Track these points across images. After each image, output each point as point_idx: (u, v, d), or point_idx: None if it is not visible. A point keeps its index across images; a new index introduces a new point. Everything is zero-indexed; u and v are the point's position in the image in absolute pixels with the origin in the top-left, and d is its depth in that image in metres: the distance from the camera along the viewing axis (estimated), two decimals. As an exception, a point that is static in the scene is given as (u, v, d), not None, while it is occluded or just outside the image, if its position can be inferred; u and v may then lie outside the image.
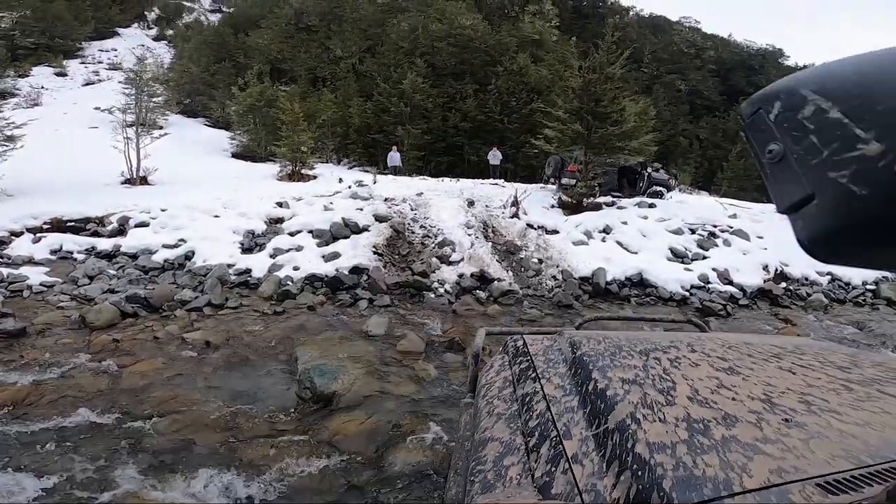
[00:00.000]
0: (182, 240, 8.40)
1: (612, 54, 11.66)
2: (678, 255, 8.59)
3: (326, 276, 7.17)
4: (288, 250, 7.82)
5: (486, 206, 10.65)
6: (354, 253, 7.54)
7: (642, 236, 8.95)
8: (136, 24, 45.12)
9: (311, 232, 8.28)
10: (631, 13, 41.89)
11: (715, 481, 0.73)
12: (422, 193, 11.50)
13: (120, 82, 27.23)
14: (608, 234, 9.06)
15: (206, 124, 27.21)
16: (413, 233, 8.75)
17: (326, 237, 8.16)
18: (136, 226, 8.99)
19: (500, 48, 24.57)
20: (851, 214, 0.26)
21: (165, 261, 7.95)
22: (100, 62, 38.02)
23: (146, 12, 46.41)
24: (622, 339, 1.43)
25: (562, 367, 1.36)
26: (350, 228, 8.37)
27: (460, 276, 7.33)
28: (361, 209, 9.04)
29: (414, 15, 27.86)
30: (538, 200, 11.77)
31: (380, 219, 8.79)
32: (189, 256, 8.10)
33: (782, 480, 0.73)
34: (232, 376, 4.71)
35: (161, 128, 24.08)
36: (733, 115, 32.93)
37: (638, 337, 1.49)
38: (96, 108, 26.95)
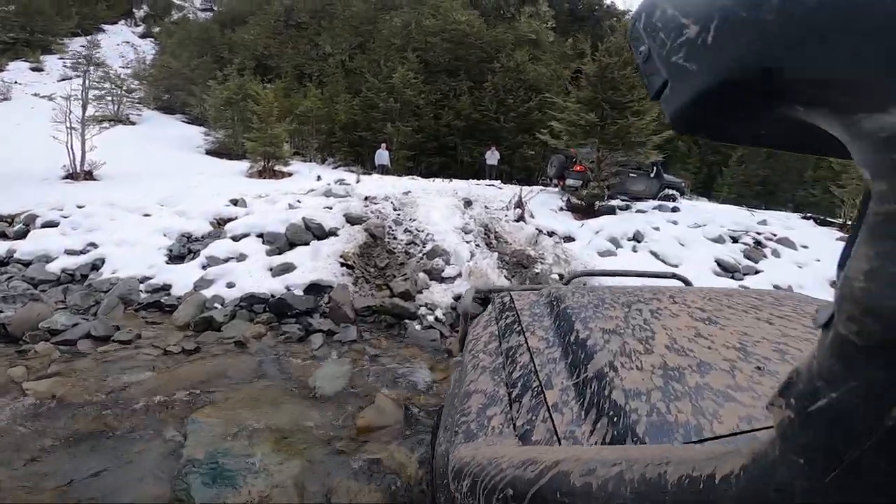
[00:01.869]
0: (92, 244, 6.27)
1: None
2: (727, 269, 6.65)
3: (272, 296, 5.09)
4: (226, 260, 5.73)
5: (486, 206, 8.62)
6: (314, 265, 5.46)
7: (680, 245, 7.00)
8: (122, 22, 42.62)
9: (260, 236, 6.18)
10: (626, 16, 40.25)
11: (686, 427, 0.71)
12: (409, 192, 9.45)
13: (95, 78, 24.97)
14: (639, 242, 7.08)
15: (184, 121, 24.94)
16: (395, 238, 6.67)
17: (280, 243, 6.06)
18: (43, 226, 6.83)
19: (497, 45, 22.67)
20: (691, 88, 0.30)
21: (63, 271, 5.86)
22: (81, 58, 35.54)
23: (134, 10, 43.95)
24: (606, 293, 1.41)
25: (546, 320, 1.34)
26: (312, 232, 6.28)
27: (457, 297, 5.26)
28: (331, 208, 6.95)
29: (407, 11, 25.91)
30: (544, 202, 9.80)
31: (352, 220, 6.70)
32: (97, 266, 5.99)
33: (750, 427, 0.71)
34: (73, 459, 2.74)
35: (121, 121, 22.00)
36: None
37: (623, 290, 1.46)
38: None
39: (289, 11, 30.07)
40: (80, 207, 7.13)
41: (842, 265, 0.23)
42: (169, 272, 5.64)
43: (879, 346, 0.20)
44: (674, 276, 2.67)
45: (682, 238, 7.19)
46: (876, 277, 0.20)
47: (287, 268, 5.46)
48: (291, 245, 6.09)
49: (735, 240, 7.65)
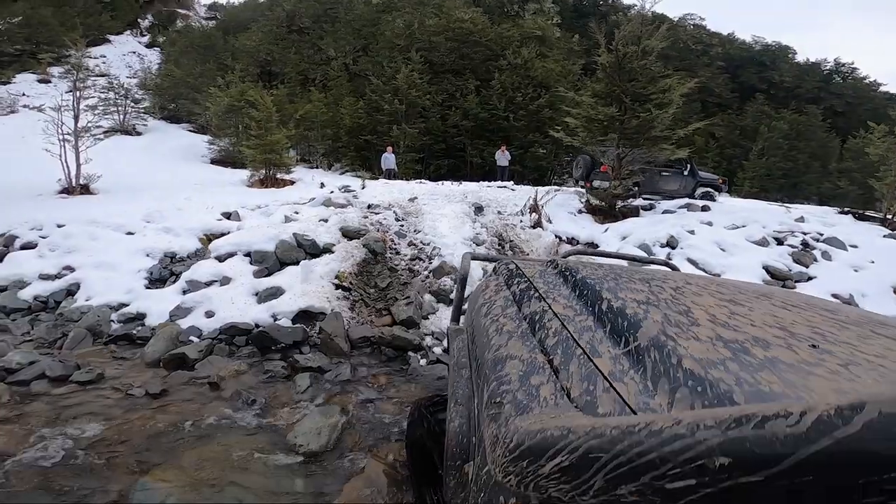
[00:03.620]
0: (69, 268, 5.70)
1: (647, 25, 8.96)
2: (778, 276, 5.84)
3: (256, 326, 4.44)
4: (209, 283, 5.10)
5: (499, 212, 7.89)
6: (305, 288, 4.81)
7: (721, 251, 6.18)
8: (128, 32, 42.68)
9: (248, 255, 5.54)
10: (632, 11, 39.05)
11: (786, 399, 0.60)
12: (415, 198, 8.78)
13: (101, 88, 24.81)
14: (674, 248, 6.29)
15: (190, 129, 24.60)
16: (398, 253, 5.98)
17: (269, 263, 5.42)
18: (22, 247, 6.30)
19: (502, 42, 21.89)
20: None
21: (35, 298, 5.33)
22: (87, 69, 35.56)
23: (139, 19, 44.04)
24: (616, 268, 1.38)
25: (563, 289, 1.28)
26: (304, 249, 5.62)
27: (467, 322, 4.56)
28: (326, 220, 6.27)
29: (409, 11, 25.28)
30: (561, 204, 9.05)
31: (349, 234, 6.02)
32: (72, 291, 5.43)
33: (859, 401, 0.44)
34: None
35: (128, 132, 21.72)
36: (750, 112, 30.16)
37: (625, 268, 1.43)
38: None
39: (291, 17, 29.68)
40: (59, 227, 6.58)
41: None
42: (146, 298, 5.03)
43: None
44: (664, 262, 2.71)
45: (722, 242, 6.38)
46: None
47: (274, 292, 4.81)
48: (282, 265, 5.45)
49: (780, 241, 6.81)
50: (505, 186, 12.49)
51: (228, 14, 43.45)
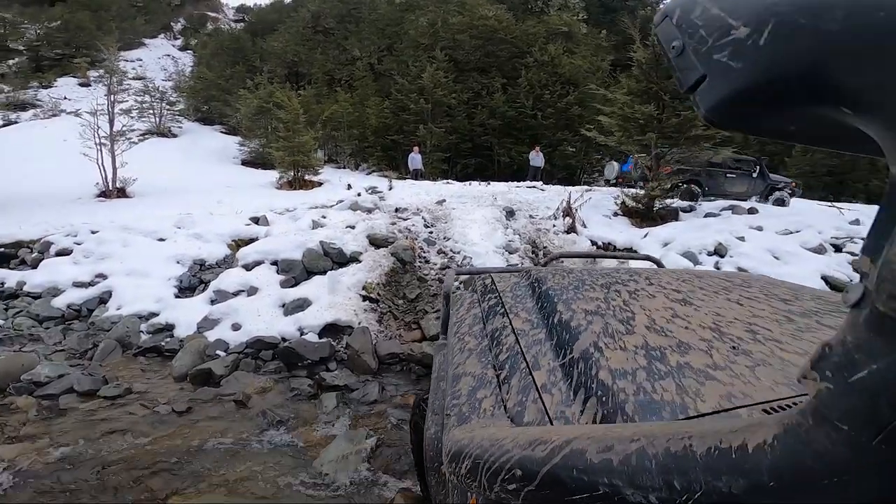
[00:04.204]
0: (101, 275, 5.70)
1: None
2: (838, 288, 5.29)
3: (283, 340, 4.29)
4: (236, 293, 4.99)
5: (531, 216, 7.55)
6: (332, 300, 4.62)
7: (774, 259, 5.69)
8: (162, 35, 43.92)
9: (275, 264, 5.40)
10: (661, 5, 37.42)
11: (672, 405, 0.73)
12: (444, 201, 8.53)
13: (136, 91, 25.57)
14: (723, 256, 5.83)
15: (222, 131, 25.05)
16: (427, 262, 5.73)
17: (296, 272, 5.27)
18: (57, 254, 6.36)
19: (528, 39, 21.34)
20: (732, 84, 0.30)
21: (69, 306, 5.33)
22: (124, 72, 36.69)
23: (172, 23, 45.25)
24: (585, 274, 1.42)
25: (529, 301, 1.34)
26: (331, 258, 5.45)
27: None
28: (353, 227, 6.09)
29: (432, 10, 24.97)
30: (594, 206, 8.63)
31: (377, 242, 5.81)
32: (104, 300, 5.41)
33: (731, 405, 0.73)
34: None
35: (163, 134, 22.22)
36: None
37: (600, 271, 1.48)
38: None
39: (316, 18, 29.81)
40: (94, 233, 6.63)
41: (866, 250, 0.25)
42: (175, 308, 4.96)
43: None
44: (647, 257, 2.76)
45: (776, 249, 5.87)
46: None
47: (301, 304, 4.65)
48: (309, 273, 5.29)
49: (838, 248, 6.25)
50: (534, 186, 12.11)
51: (256, 16, 44.11)
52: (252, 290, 4.99)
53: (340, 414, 3.59)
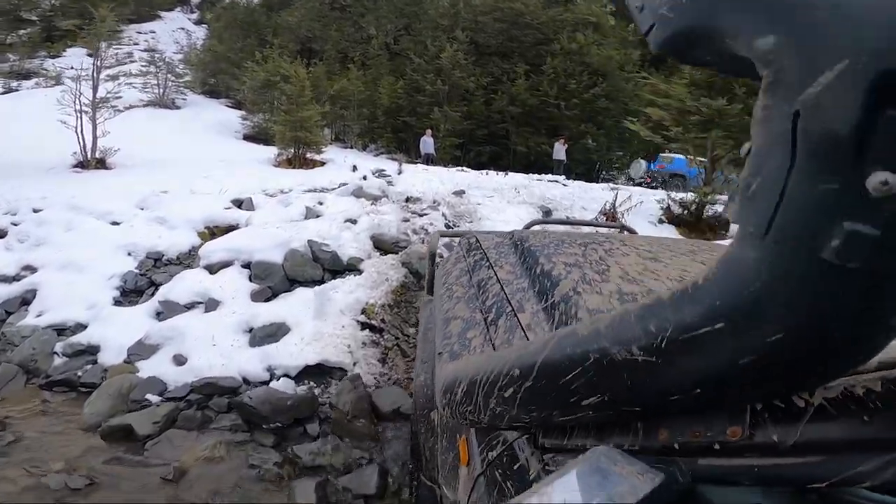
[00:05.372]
0: (29, 267, 4.31)
1: None
2: None
3: (244, 382, 2.92)
4: (189, 306, 3.60)
5: (567, 217, 6.08)
6: (318, 327, 3.23)
7: None
8: (179, 9, 41.96)
9: (247, 266, 3.99)
10: None
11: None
12: (463, 192, 7.09)
13: (143, 63, 24.07)
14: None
15: (227, 105, 23.45)
16: (446, 273, 4.33)
17: (275, 279, 3.86)
18: (-10, 233, 4.98)
19: (555, 26, 19.51)
20: (669, 28, 0.38)
21: (-23, 308, 3.91)
22: (135, 44, 34.92)
23: (189, -4, 43.25)
24: (565, 236, 1.49)
25: (512, 257, 1.38)
26: (322, 264, 4.03)
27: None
28: (355, 221, 4.64)
29: (456, -11, 23.09)
30: (636, 211, 7.19)
31: (383, 245, 4.37)
32: (28, 300, 4.03)
33: None
34: None
35: (166, 106, 20.69)
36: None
37: (579, 234, 1.58)
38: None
39: (334, -7, 27.94)
40: (35, 212, 5.24)
41: None
42: (108, 321, 3.57)
43: None
44: (622, 227, 2.81)
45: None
46: None
47: (275, 331, 3.25)
48: (291, 283, 3.88)
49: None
50: (556, 181, 10.66)
51: (273, -9, 42.05)
52: (212, 304, 3.59)
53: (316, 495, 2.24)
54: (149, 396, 2.90)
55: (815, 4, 0.29)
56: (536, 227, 2.73)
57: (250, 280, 3.89)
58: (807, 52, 0.29)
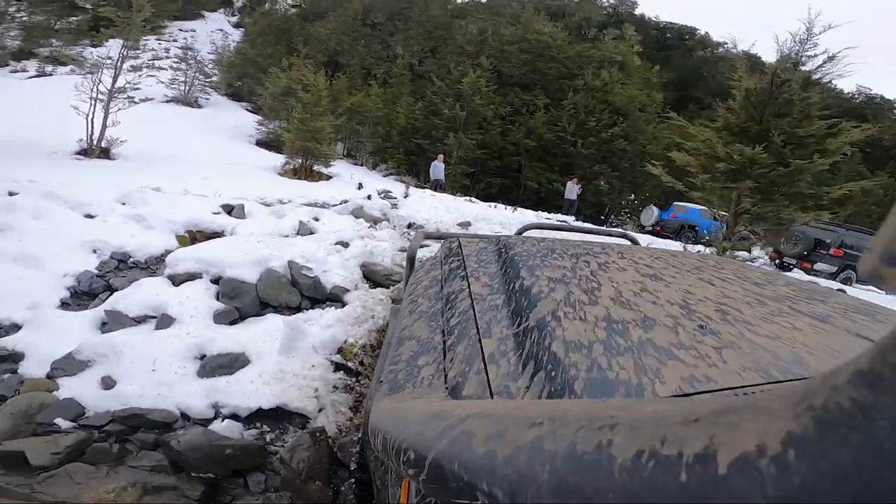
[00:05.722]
0: (-27, 260, 3.91)
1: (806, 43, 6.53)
2: None
3: (182, 417, 2.45)
4: (140, 320, 3.17)
5: (567, 223, 5.64)
6: (284, 364, 2.77)
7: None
8: (222, 10, 43.27)
9: (216, 282, 3.57)
10: (721, 49, 35.01)
11: (628, 385, 0.63)
12: (469, 224, 6.71)
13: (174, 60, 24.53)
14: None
15: (248, 109, 23.58)
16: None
17: (245, 300, 3.42)
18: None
19: (580, 61, 19.57)
20: None
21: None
22: (174, 41, 35.79)
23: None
24: (556, 244, 1.33)
25: (493, 266, 1.22)
26: (301, 290, 3.58)
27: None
28: (346, 244, 4.22)
29: (484, 18, 23.43)
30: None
31: (374, 276, 3.92)
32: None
33: (693, 390, 0.61)
34: None
35: (189, 104, 20.80)
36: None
37: (573, 243, 1.39)
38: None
39: (367, 11, 28.53)
40: (11, 195, 4.91)
41: None
42: (44, 327, 3.14)
43: None
44: (623, 234, 2.67)
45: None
46: None
47: (231, 362, 2.79)
48: (263, 306, 3.45)
49: None
50: (564, 221, 10.29)
51: (311, 2, 43.38)
52: (165, 321, 3.16)
53: None
54: (59, 421, 2.43)
55: None
56: (531, 232, 2.44)
57: (217, 298, 3.46)
58: None
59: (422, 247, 1.79)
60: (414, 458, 0.42)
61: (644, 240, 7.97)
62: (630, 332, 0.75)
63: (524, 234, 2.25)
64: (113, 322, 3.15)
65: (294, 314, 3.47)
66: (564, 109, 16.89)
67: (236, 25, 41.66)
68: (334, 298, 3.53)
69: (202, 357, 2.93)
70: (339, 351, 3.08)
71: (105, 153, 9.54)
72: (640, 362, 0.66)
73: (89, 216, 4.73)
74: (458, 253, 1.40)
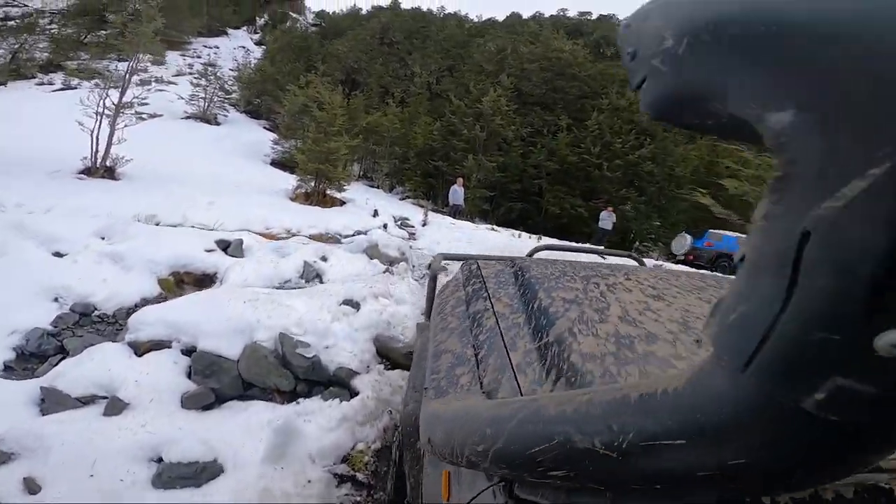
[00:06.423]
0: None
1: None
2: None
3: None
4: (87, 401, 2.40)
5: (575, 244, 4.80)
6: (268, 478, 1.97)
7: None
8: (245, 28, 44.12)
9: (187, 353, 2.81)
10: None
11: None
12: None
13: (194, 77, 24.54)
14: None
15: (265, 127, 23.38)
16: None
17: (224, 380, 2.61)
18: None
19: (602, 80, 18.90)
20: (661, 84, 0.35)
21: None
22: (198, 57, 36.31)
23: (257, 17, 45.60)
24: (567, 266, 1.42)
25: (511, 288, 1.33)
26: (294, 373, 2.76)
27: None
28: (357, 306, 3.41)
29: (502, 36, 23.01)
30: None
31: (390, 353, 3.07)
32: None
33: None
34: None
35: (207, 121, 20.63)
36: None
37: (582, 265, 1.48)
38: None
39: (384, 29, 28.45)
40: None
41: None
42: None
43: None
44: (628, 255, 2.87)
45: None
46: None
47: (196, 473, 1.98)
48: (247, 386, 2.69)
49: None
50: (596, 251, 9.40)
51: (330, 21, 43.89)
52: (115, 406, 2.39)
53: None
54: None
55: (862, 70, 0.20)
56: (542, 254, 2.61)
57: (188, 376, 2.73)
58: (834, 143, 0.21)
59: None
60: (490, 433, 0.54)
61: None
62: (635, 345, 0.85)
63: (535, 256, 2.33)
64: (50, 402, 2.40)
65: (286, 400, 2.70)
66: (588, 130, 16.11)
67: (258, 43, 42.33)
68: (340, 383, 2.74)
69: (158, 461, 2.17)
70: (346, 459, 2.29)
71: (109, 172, 9.04)
72: (644, 370, 0.77)
73: (58, 254, 4.06)
74: (479, 275, 1.51)
